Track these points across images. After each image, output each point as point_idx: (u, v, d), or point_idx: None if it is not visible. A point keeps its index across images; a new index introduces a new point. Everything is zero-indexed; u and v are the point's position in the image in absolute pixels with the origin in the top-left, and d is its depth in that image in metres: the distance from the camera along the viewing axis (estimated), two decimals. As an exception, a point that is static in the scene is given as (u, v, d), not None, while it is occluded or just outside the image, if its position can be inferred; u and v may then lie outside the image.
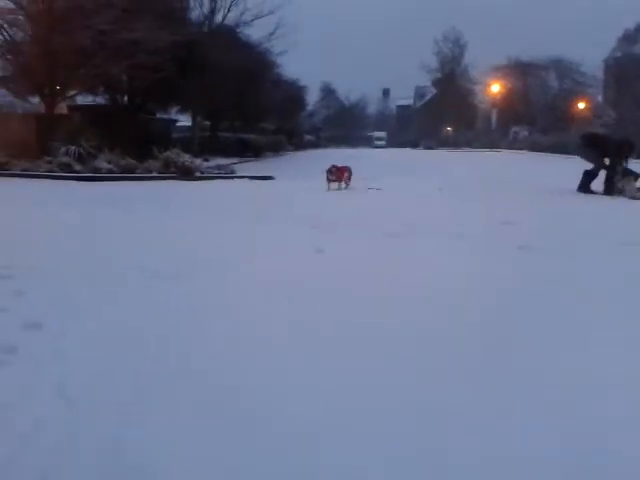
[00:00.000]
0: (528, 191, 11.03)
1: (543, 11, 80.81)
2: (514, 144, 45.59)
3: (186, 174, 12.49)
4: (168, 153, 13.20)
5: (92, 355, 2.48)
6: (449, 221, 6.78)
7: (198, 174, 12.75)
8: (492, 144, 48.00)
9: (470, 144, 53.85)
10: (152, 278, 3.76)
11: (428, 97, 76.40)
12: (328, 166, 10.62)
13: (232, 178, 12.88)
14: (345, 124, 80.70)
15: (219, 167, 13.31)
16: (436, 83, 71.46)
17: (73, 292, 3.44)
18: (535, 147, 38.57)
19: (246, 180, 12.57)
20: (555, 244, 5.38)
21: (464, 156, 33.61)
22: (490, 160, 28.31)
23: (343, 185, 10.87)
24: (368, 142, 76.99)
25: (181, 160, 12.86)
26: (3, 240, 5.18)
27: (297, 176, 14.57)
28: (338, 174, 10.80)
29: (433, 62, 69.64)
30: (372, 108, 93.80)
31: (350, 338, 2.70)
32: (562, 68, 54.21)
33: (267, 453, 1.76)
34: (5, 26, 15.53)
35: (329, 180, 10.65)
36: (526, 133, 50.26)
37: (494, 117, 60.70)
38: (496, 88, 56.19)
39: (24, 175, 12.64)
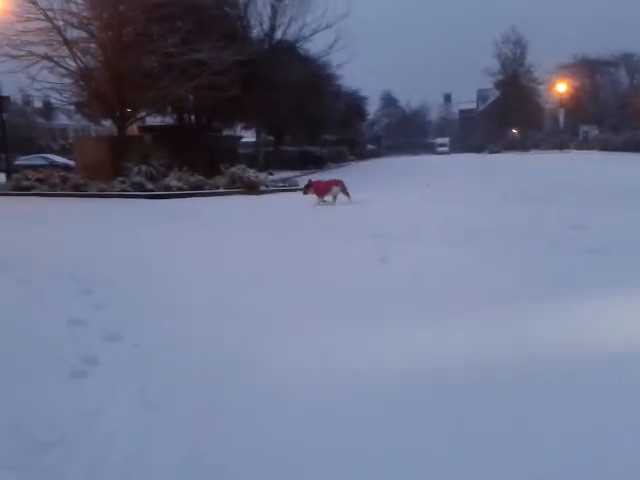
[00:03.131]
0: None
1: (607, 6, 77.49)
2: (584, 144, 43.94)
3: (251, 188, 12.77)
4: (234, 169, 13.54)
5: (169, 363, 2.58)
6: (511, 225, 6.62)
7: (263, 188, 12.99)
8: (561, 145, 46.46)
9: (538, 146, 52.31)
10: (223, 285, 3.87)
11: (491, 100, 74.73)
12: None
13: (295, 191, 13.02)
14: (407, 131, 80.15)
15: (283, 181, 13.51)
16: (499, 85, 69.81)
17: (149, 304, 3.59)
18: (607, 146, 37.10)
19: None
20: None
21: (533, 159, 32.59)
22: (563, 162, 27.36)
23: (330, 199, 10.17)
24: (431, 149, 76.08)
25: (246, 175, 13.15)
26: (83, 257, 5.46)
27: (359, 187, 14.58)
28: (318, 189, 10.30)
29: (495, 64, 68.19)
30: (434, 114, 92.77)
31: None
32: (633, 63, 51.89)
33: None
34: (79, 54, 16.41)
35: (306, 193, 10.35)
36: (596, 132, 48.33)
37: (562, 117, 58.66)
38: (562, 87, 54.32)
39: (100, 195, 13.29)
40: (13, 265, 4.94)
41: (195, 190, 12.88)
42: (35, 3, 14.97)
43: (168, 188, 12.88)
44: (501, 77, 68.78)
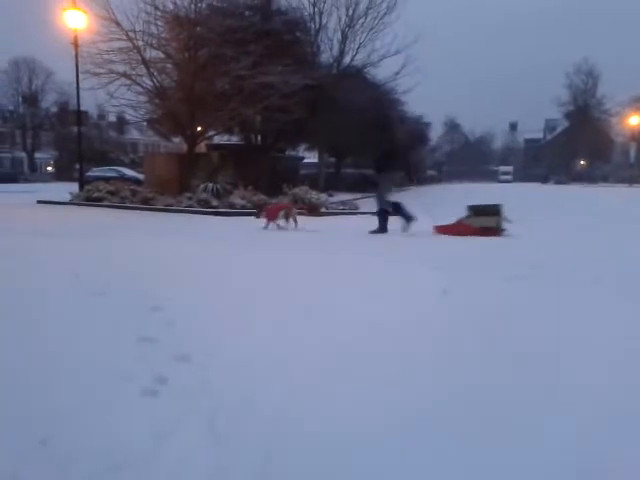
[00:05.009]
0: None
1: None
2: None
3: (313, 210, 12.90)
4: (297, 190, 13.75)
5: (238, 387, 2.60)
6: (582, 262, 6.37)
7: (323, 210, 13.09)
8: (632, 179, 44.83)
9: (606, 179, 50.67)
10: (287, 312, 3.89)
11: (559, 130, 73.12)
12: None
13: (355, 214, 13.08)
14: (469, 158, 79.31)
15: (343, 203, 13.60)
16: (568, 116, 68.29)
17: (217, 323, 3.65)
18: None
19: (368, 216, 12.69)
20: None
21: (604, 192, 31.49)
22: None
23: (281, 223, 9.79)
24: (493, 177, 74.91)
25: (308, 197, 13.32)
26: (152, 272, 5.60)
27: (418, 212, 14.53)
28: (268, 212, 9.87)
29: (565, 94, 66.85)
30: (498, 142, 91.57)
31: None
32: None
33: None
34: (155, 74, 17.15)
35: (258, 217, 9.98)
36: (668, 167, 46.51)
37: (633, 151, 56.68)
38: (635, 120, 52.59)
39: (167, 210, 13.72)
40: (86, 277, 5.14)
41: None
42: (119, 24, 15.76)
43: (232, 206, 13.18)
44: (571, 108, 67.24)
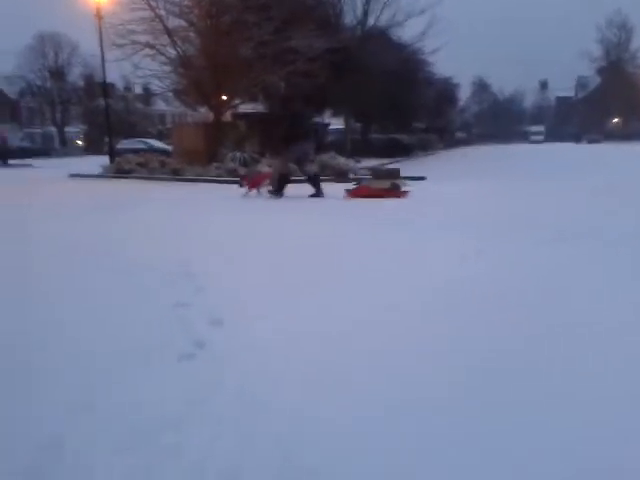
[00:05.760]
0: None
1: None
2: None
3: (340, 176, 12.82)
4: (323, 157, 13.64)
5: (269, 353, 2.65)
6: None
7: (352, 176, 13.00)
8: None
9: (642, 136, 49.13)
10: (312, 285, 3.91)
11: (592, 87, 70.70)
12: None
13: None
14: (499, 119, 77.51)
15: (371, 169, 13.42)
16: (601, 72, 65.92)
17: (247, 292, 3.71)
18: None
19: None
20: None
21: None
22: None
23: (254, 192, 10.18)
24: (524, 137, 73.22)
25: (335, 163, 13.22)
26: (181, 242, 5.69)
27: (447, 177, 14.39)
28: (252, 181, 10.29)
29: (597, 50, 64.46)
30: (528, 101, 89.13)
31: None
32: None
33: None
34: (179, 42, 17.05)
35: (241, 186, 10.27)
36: None
37: (671, 106, 54.63)
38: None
39: (196, 180, 13.81)
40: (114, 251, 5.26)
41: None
42: (140, -7, 15.66)
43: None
44: (603, 63, 64.86)
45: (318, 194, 9.92)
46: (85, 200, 10.78)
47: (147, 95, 53.29)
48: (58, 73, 53.26)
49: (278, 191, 9.95)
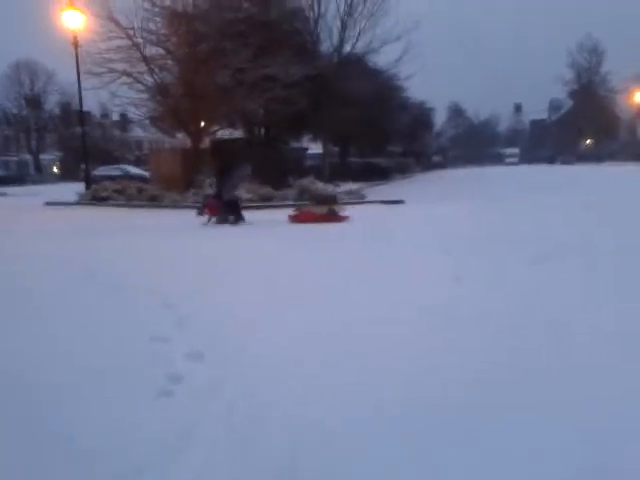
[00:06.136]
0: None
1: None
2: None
3: (320, 202, 12.81)
4: (303, 181, 13.69)
5: (253, 385, 2.61)
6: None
7: (338, 202, 13.00)
8: (639, 156, 44.44)
9: (613, 157, 50.24)
10: (304, 300, 3.89)
11: (564, 110, 72.48)
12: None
13: (363, 203, 13.03)
14: (474, 142, 78.81)
15: (350, 192, 13.52)
16: (572, 95, 67.68)
17: (232, 321, 3.66)
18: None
19: (378, 205, 12.66)
20: None
21: (614, 171, 31.20)
22: None
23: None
24: (499, 160, 74.50)
25: (314, 188, 13.26)
26: (162, 270, 5.62)
27: (425, 199, 14.55)
28: (212, 209, 10.06)
29: (568, 73, 66.21)
30: (503, 125, 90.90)
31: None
32: None
33: None
34: (156, 70, 17.09)
35: (201, 214, 10.05)
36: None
37: (640, 127, 56.11)
38: (641, 96, 51.97)
39: (174, 206, 13.72)
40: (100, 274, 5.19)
41: (264, 202, 13.07)
42: (117, 23, 15.70)
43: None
44: (575, 87, 66.58)
45: (238, 219, 9.94)
46: (62, 227, 10.64)
47: (124, 122, 53.16)
48: (34, 101, 52.97)
49: (231, 217, 9.91)
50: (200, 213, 10.06)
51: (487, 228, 8.13)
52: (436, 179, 31.15)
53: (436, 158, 55.23)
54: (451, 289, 4.37)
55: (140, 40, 16.33)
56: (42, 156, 55.22)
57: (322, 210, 9.83)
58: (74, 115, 46.64)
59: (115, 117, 55.93)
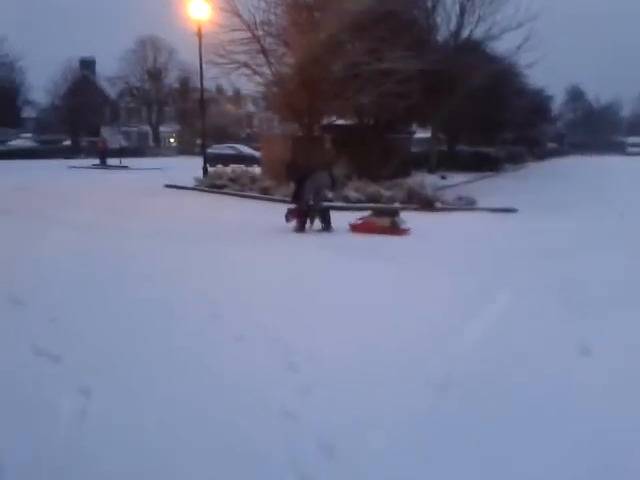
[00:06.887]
0: None
1: None
2: None
3: (427, 206, 12.76)
4: (411, 182, 13.63)
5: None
6: None
7: (439, 205, 12.90)
8: None
9: None
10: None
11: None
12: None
13: (472, 210, 12.75)
14: (593, 129, 73.86)
15: (459, 198, 13.23)
16: None
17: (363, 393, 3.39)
18: None
19: (486, 214, 12.18)
20: None
21: None
22: None
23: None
24: (620, 149, 69.48)
25: (424, 193, 13.19)
26: (269, 299, 5.27)
27: (543, 205, 13.55)
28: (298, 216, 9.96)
29: None
30: (627, 110, 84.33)
31: None
32: None
33: None
34: (273, 62, 17.52)
35: (288, 221, 9.95)
36: None
37: None
38: None
39: (283, 201, 14.12)
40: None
41: (371, 203, 12.97)
42: (241, 17, 16.22)
43: (346, 199, 13.29)
44: None
45: (327, 227, 9.92)
46: (184, 223, 11.08)
47: (237, 97, 54.81)
48: (156, 75, 55.90)
49: (319, 224, 9.95)
50: (288, 220, 10.00)
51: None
52: (554, 172, 29.38)
53: (551, 145, 52.35)
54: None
55: (260, 33, 16.79)
56: (160, 128, 58.52)
57: (384, 222, 9.65)
58: (192, 91, 48.90)
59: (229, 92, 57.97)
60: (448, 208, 12.75)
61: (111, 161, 31.31)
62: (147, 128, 58.39)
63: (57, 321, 4.37)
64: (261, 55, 16.99)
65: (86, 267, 6.30)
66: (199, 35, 17.94)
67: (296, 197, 10.18)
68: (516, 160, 34.02)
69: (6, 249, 7.41)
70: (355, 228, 9.75)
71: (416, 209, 12.46)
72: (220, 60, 16.77)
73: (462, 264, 7.09)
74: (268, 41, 17.14)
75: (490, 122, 28.28)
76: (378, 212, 10.13)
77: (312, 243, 8.77)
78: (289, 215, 10.04)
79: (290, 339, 4.05)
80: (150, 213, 12.28)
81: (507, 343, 4.06)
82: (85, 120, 48.03)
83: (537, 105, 36.53)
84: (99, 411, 2.96)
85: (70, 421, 2.84)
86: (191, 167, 21.92)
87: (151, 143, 56.21)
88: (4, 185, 17.42)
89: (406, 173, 21.55)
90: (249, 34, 16.60)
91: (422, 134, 32.42)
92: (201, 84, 19.00)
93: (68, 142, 47.25)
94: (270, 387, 3.30)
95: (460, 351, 3.83)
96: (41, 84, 51.65)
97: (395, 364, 3.65)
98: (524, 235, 9.62)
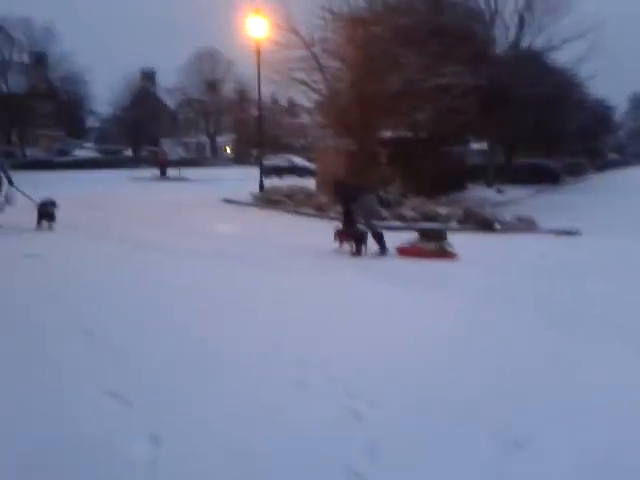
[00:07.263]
0: None
1: None
2: None
3: (485, 226, 12.53)
4: (469, 202, 13.42)
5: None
6: None
7: (497, 226, 12.63)
8: None
9: None
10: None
11: None
12: None
13: (532, 231, 12.43)
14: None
15: (519, 220, 12.95)
16: None
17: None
18: None
19: (549, 237, 11.82)
20: None
21: None
22: None
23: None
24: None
25: (481, 213, 12.98)
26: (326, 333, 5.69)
27: (610, 225, 12.99)
28: (347, 237, 9.78)
29: None
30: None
31: None
32: None
33: None
34: (329, 78, 17.68)
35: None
36: None
37: None
38: None
39: (338, 219, 14.15)
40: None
41: (427, 222, 12.87)
42: (299, 35, 16.46)
43: (402, 218, 13.22)
44: None
45: (383, 251, 9.64)
46: (241, 244, 10.98)
47: (292, 107, 55.43)
48: (213, 86, 57.29)
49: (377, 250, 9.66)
50: (336, 240, 9.88)
51: None
52: (617, 185, 28.31)
53: (612, 155, 50.50)
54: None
55: (317, 49, 16.97)
56: (217, 138, 59.96)
57: (430, 247, 9.39)
58: (248, 101, 49.80)
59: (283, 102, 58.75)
60: (508, 229, 12.46)
61: (170, 172, 32.21)
62: (205, 139, 59.92)
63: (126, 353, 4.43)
64: (317, 71, 17.16)
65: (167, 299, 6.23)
66: (257, 53, 18.28)
67: (346, 221, 10.06)
68: (576, 172, 33.01)
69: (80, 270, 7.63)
70: (402, 252, 9.56)
71: (473, 229, 12.27)
72: (277, 77, 17.06)
73: (518, 297, 6.72)
74: (324, 57, 17.30)
75: (549, 134, 27.58)
76: (424, 234, 9.90)
77: (368, 271, 8.53)
78: (338, 236, 9.95)
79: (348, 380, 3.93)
80: (211, 232, 12.53)
81: (589, 396, 3.75)
82: (145, 130, 49.66)
83: (599, 116, 35.35)
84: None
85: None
86: (247, 179, 22.45)
87: (208, 153, 57.60)
88: (74, 199, 17.87)
89: (462, 186, 21.28)
90: (306, 51, 16.80)
91: (477, 145, 31.90)
92: (259, 102, 19.39)
93: (129, 152, 48.95)
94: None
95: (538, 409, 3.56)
96: (103, 95, 53.74)
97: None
98: (592, 263, 8.93)
